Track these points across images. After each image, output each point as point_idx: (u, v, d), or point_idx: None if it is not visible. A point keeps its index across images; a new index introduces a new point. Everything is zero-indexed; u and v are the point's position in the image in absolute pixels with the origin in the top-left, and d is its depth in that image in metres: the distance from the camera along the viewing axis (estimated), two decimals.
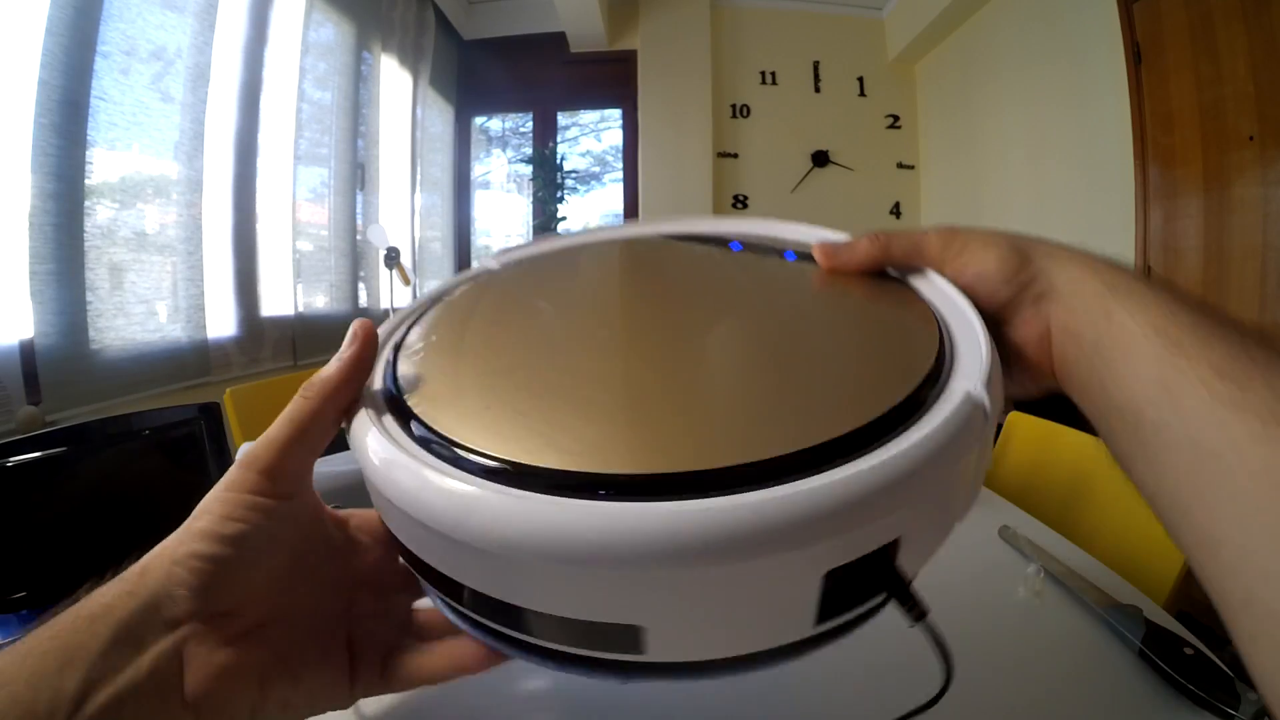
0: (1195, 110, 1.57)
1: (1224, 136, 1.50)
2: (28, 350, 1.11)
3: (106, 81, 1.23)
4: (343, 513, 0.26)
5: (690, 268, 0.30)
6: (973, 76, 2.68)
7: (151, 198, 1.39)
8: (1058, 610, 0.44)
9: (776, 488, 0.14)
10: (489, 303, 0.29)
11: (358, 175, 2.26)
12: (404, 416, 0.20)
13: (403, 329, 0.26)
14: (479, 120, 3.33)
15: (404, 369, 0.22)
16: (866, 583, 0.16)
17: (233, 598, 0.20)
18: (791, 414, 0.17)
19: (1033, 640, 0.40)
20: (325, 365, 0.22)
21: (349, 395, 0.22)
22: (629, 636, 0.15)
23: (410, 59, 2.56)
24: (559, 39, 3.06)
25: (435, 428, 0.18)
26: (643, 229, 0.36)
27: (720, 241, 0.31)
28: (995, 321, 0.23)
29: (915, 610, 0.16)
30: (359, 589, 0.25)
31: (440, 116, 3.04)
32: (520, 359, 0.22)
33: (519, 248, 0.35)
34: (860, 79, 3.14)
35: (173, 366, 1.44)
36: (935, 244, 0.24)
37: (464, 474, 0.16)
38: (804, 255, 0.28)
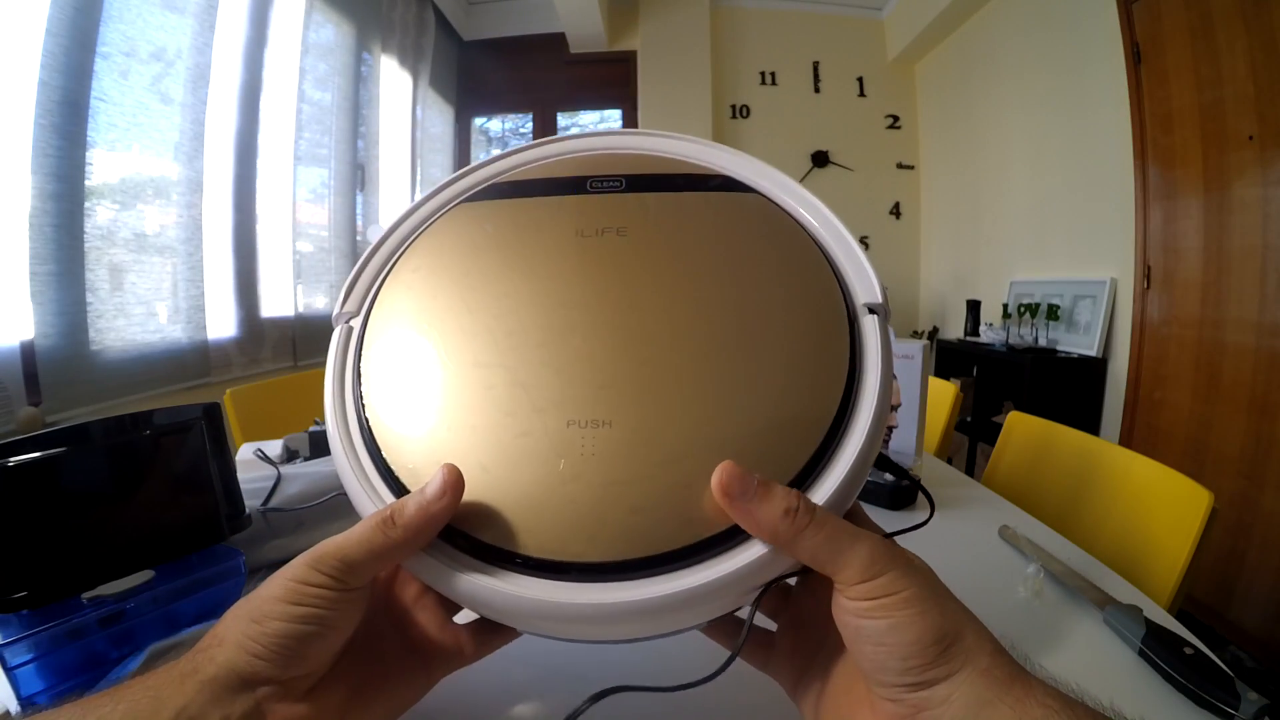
0: (1195, 110, 1.57)
1: (1224, 137, 1.50)
2: (28, 351, 1.12)
3: (106, 82, 1.23)
4: None
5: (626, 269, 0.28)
6: (972, 76, 2.68)
7: (151, 199, 1.39)
8: (1058, 610, 0.44)
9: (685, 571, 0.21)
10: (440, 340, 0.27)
11: (357, 176, 2.26)
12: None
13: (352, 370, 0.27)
14: (479, 121, 3.34)
15: (404, 461, 0.24)
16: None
17: (307, 666, 0.21)
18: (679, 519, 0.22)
19: (1033, 640, 0.40)
20: (411, 502, 0.22)
21: (430, 536, 0.22)
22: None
23: (410, 59, 2.56)
24: (559, 39, 3.06)
25: (488, 541, 0.22)
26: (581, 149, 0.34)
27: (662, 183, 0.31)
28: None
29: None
30: (419, 598, 0.26)
31: (440, 117, 3.04)
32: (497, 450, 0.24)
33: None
34: (860, 79, 3.15)
35: (173, 367, 1.44)
36: (857, 564, 0.20)
37: (497, 569, 0.22)
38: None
